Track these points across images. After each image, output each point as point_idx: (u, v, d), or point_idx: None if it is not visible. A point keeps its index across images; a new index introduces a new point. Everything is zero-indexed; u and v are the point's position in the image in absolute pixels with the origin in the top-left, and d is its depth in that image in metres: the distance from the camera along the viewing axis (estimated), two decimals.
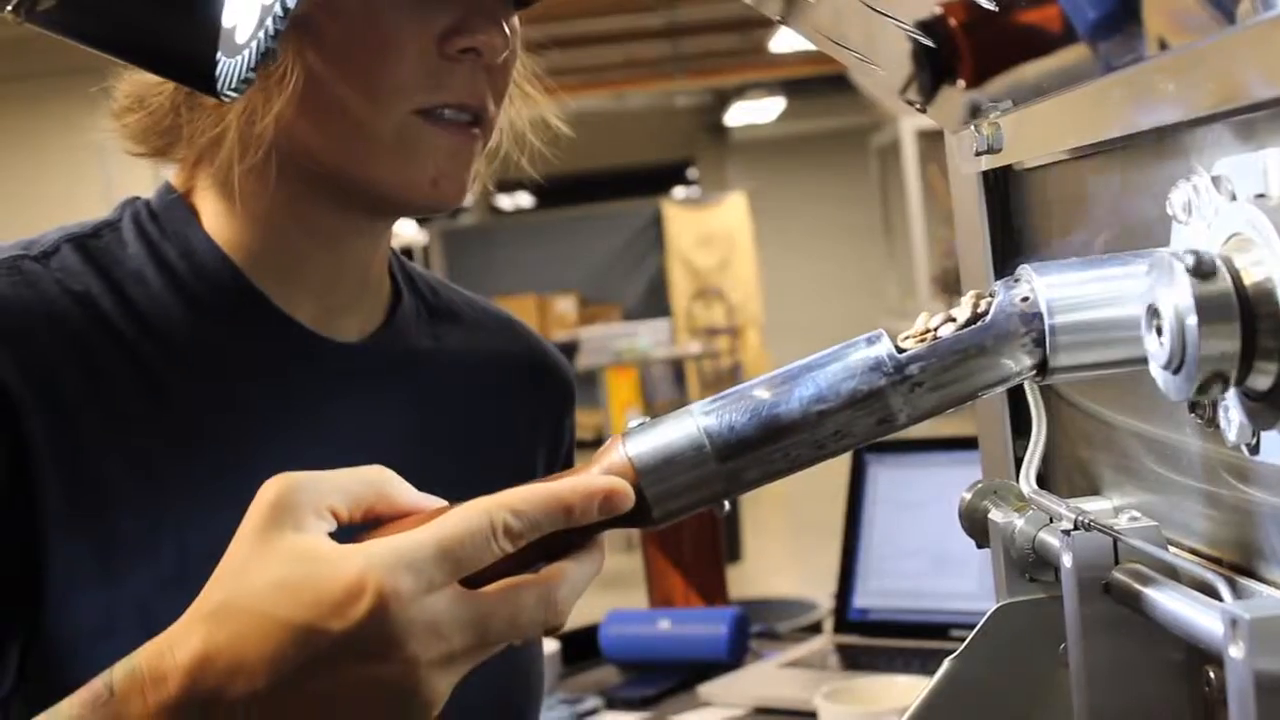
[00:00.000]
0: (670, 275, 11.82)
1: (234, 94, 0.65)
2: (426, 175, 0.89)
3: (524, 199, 12.38)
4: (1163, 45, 0.54)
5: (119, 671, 0.60)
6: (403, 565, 0.57)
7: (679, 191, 12.56)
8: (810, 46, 0.88)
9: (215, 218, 0.92)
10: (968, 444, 1.91)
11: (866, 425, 0.59)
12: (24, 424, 0.81)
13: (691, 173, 12.78)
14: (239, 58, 0.63)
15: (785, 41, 7.73)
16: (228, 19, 0.62)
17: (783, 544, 7.44)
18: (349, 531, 0.61)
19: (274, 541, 0.59)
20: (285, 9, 0.64)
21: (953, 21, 0.70)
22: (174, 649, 0.59)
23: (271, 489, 0.60)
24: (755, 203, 11.77)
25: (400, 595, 0.56)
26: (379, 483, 0.63)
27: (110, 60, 0.65)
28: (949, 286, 6.87)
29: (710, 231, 11.73)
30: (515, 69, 0.94)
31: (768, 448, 0.59)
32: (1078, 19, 0.60)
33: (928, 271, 7.05)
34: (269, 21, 0.64)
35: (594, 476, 0.60)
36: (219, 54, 0.62)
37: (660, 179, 12.36)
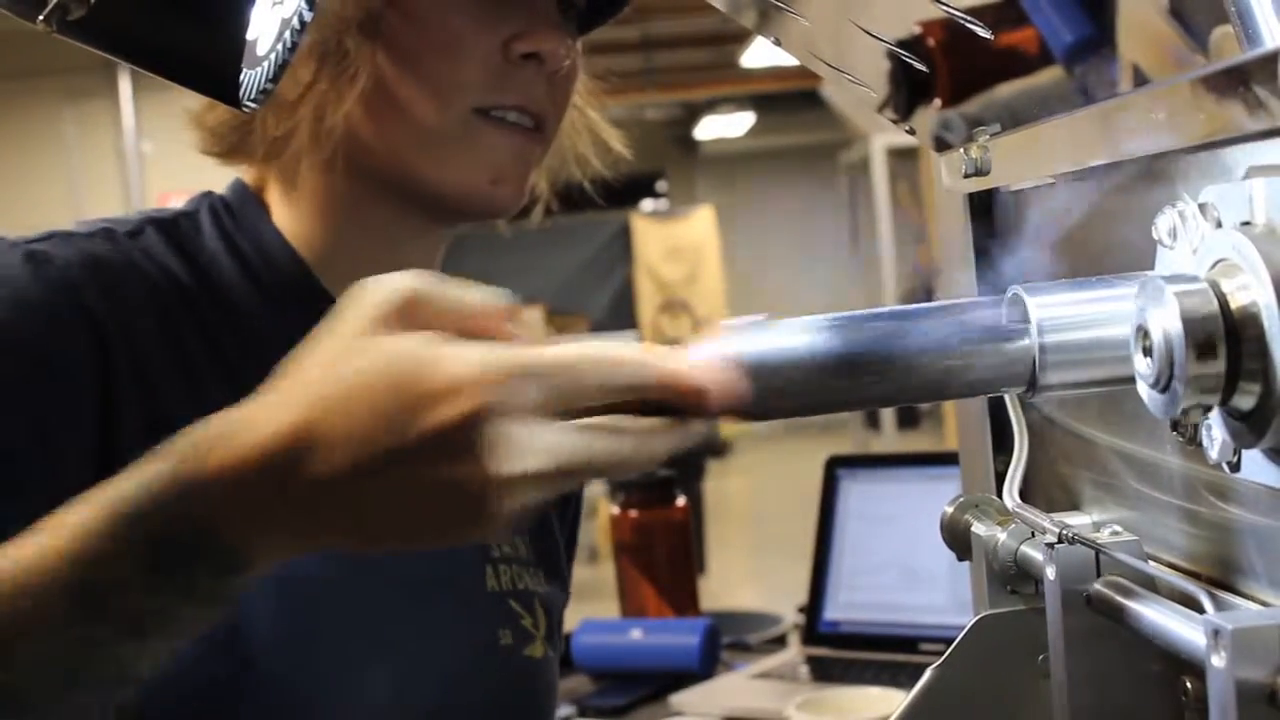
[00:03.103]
0: (638, 287, 11.81)
1: (254, 105, 0.67)
2: (485, 175, 0.93)
3: None
4: (1142, 77, 0.55)
5: (181, 445, 0.59)
6: (512, 378, 0.55)
7: (648, 204, 12.55)
8: (781, 62, 0.90)
9: (283, 214, 0.96)
10: (939, 459, 1.93)
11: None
12: (115, 382, 0.83)
13: (660, 185, 12.77)
14: (259, 69, 0.65)
15: (756, 57, 7.75)
16: (250, 31, 0.63)
17: (745, 559, 7.45)
18: None
19: (380, 341, 0.58)
20: (303, 22, 0.66)
21: (943, 45, 0.72)
22: (254, 427, 0.58)
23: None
24: (724, 216, 11.78)
25: (502, 407, 0.55)
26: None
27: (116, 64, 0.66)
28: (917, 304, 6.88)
29: (678, 244, 11.73)
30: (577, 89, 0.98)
31: None
32: (1061, 47, 0.62)
33: (895, 288, 7.08)
34: (287, 34, 0.66)
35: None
36: (243, 65, 0.63)
37: (629, 191, 12.35)
